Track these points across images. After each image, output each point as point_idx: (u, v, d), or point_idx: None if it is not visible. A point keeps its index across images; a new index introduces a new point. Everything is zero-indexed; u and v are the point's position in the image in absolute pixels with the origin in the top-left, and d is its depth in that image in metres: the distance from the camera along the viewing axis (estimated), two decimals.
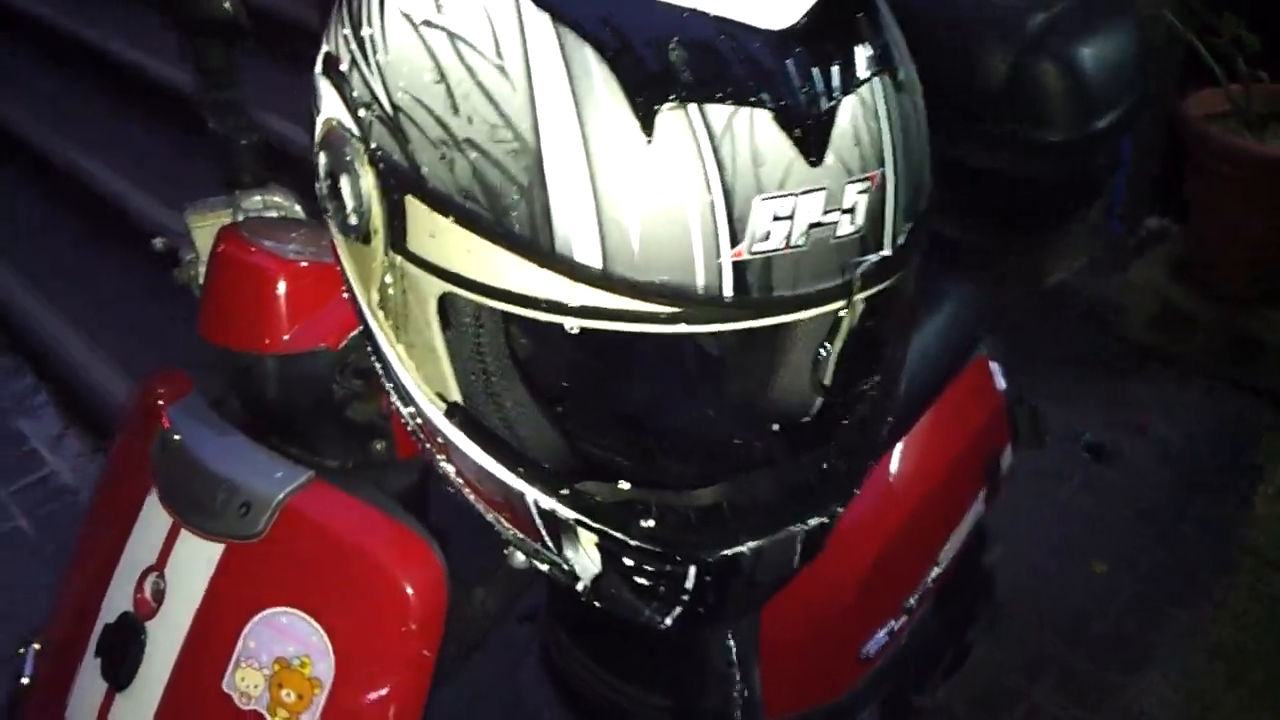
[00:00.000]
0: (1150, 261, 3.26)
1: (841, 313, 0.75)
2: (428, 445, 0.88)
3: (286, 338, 1.12)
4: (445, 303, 0.79)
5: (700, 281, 0.70)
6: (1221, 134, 2.87)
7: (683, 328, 0.71)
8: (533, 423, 0.84)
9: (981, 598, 2.17)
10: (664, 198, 0.69)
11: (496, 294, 0.73)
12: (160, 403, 1.16)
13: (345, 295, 0.89)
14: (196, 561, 1.05)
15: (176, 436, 1.12)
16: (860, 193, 0.73)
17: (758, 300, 0.71)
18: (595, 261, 0.70)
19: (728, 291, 0.71)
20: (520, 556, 0.96)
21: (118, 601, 1.10)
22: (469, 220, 0.73)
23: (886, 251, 0.76)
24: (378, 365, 0.88)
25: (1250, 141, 2.83)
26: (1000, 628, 2.23)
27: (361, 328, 0.88)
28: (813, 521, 0.83)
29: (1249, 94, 2.83)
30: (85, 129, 4.29)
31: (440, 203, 0.74)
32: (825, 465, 0.85)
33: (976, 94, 1.50)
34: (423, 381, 0.83)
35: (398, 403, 0.88)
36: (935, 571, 1.85)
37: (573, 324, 0.72)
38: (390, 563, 0.98)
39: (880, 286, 0.76)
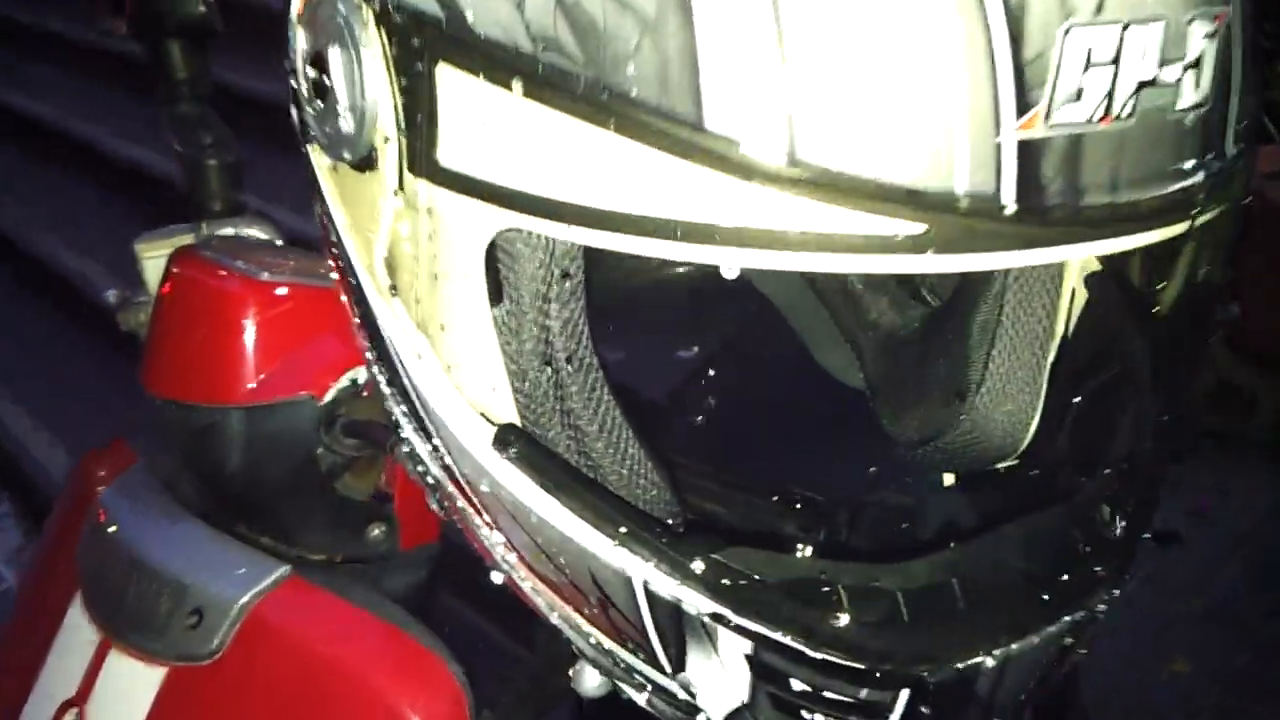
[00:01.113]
0: None
1: (1178, 236, 0.43)
2: (461, 504, 0.55)
3: (254, 385, 0.85)
4: (496, 255, 0.47)
5: (964, 177, 0.39)
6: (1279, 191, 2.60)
7: (930, 260, 0.39)
8: (636, 455, 0.51)
9: (1072, 707, 1.84)
10: (900, 30, 0.38)
11: (594, 219, 0.41)
12: (100, 487, 0.93)
13: (331, 269, 0.56)
14: (129, 692, 0.80)
15: (111, 527, 0.87)
16: (1207, 37, 0.42)
17: (1058, 211, 0.39)
18: (777, 147, 0.39)
19: (1009, 196, 0.39)
20: (593, 677, 0.61)
21: None
22: (550, 87, 0.41)
23: (1230, 150, 0.45)
24: (381, 378, 0.56)
25: None
26: None
27: (358, 322, 0.55)
28: (1081, 613, 0.50)
29: None
30: (83, 232, 4.01)
31: (499, 63, 0.42)
32: (1097, 522, 0.52)
33: None
34: (457, 393, 0.50)
35: (413, 438, 0.55)
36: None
37: (734, 263, 0.40)
38: (393, 688, 0.73)
39: (1220, 209, 0.45)
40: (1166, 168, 0.42)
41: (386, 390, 0.55)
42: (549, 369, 0.49)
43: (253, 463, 0.86)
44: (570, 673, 0.64)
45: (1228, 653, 2.39)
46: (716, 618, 0.46)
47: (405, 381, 0.52)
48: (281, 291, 0.86)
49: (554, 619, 0.55)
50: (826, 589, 0.47)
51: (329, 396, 0.85)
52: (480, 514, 0.53)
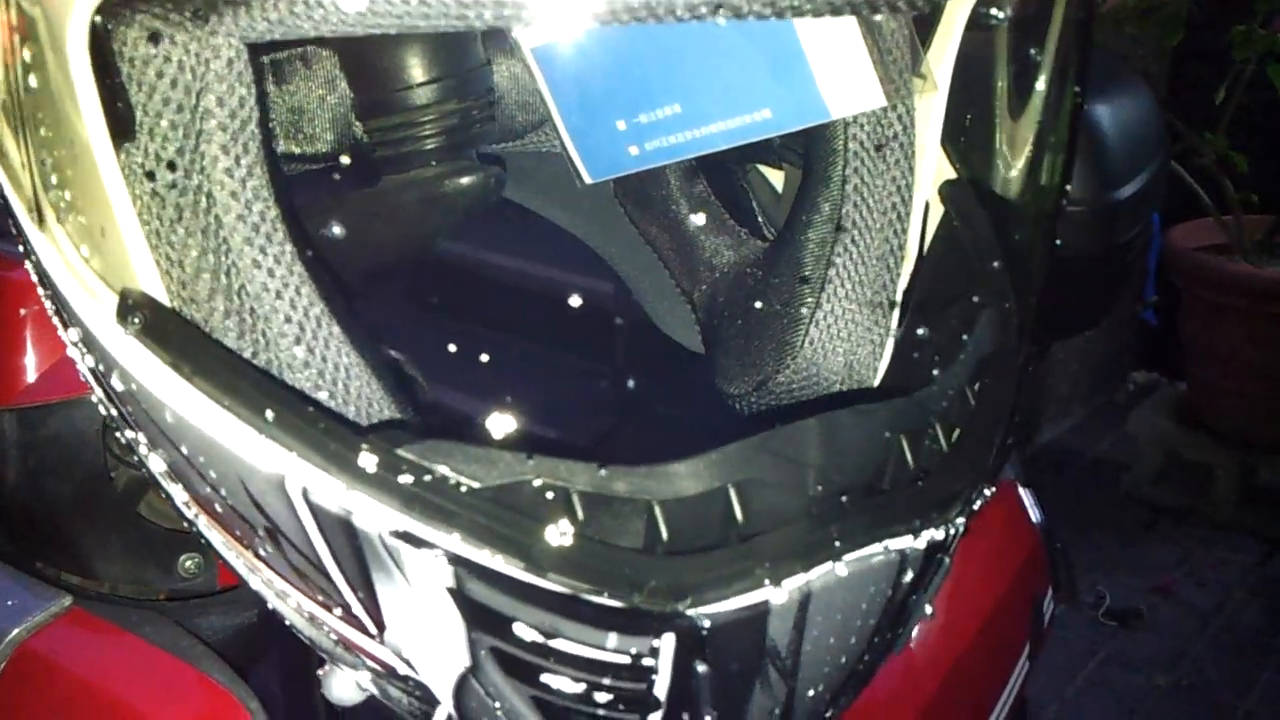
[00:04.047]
0: (1151, 410, 2.85)
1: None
2: (130, 433, 0.42)
3: (32, 380, 0.73)
4: (120, 69, 0.35)
5: None
6: (1223, 263, 2.51)
7: None
8: (337, 347, 0.38)
9: None
10: None
11: None
12: None
13: None
14: None
15: None
16: None
17: None
18: None
19: None
20: (343, 683, 0.47)
21: None
22: None
23: None
24: (29, 264, 0.43)
25: (1256, 268, 2.47)
26: None
27: None
28: (918, 539, 0.37)
29: (1240, 220, 2.49)
30: None
31: None
32: (929, 433, 0.39)
33: None
34: (75, 255, 0.37)
35: (70, 348, 0.42)
36: None
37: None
38: None
39: None
40: None
41: (40, 288, 0.43)
42: (191, 198, 0.36)
43: (33, 476, 0.73)
44: (320, 672, 0.50)
45: None
46: (401, 536, 0.33)
47: (33, 255, 0.39)
48: None
49: (255, 583, 0.42)
50: (552, 494, 0.34)
51: None
52: (137, 432, 0.40)
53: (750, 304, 0.54)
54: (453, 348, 0.60)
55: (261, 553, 0.38)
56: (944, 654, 1.26)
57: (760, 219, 0.61)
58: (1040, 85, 0.45)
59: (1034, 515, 1.65)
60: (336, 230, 0.52)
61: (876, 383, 0.51)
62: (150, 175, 0.35)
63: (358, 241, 0.52)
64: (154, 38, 0.34)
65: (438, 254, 0.60)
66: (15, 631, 0.66)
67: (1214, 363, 2.67)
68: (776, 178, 0.64)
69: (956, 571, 1.24)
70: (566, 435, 0.51)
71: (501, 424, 0.36)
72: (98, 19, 0.33)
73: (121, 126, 0.35)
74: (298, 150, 0.54)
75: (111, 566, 0.76)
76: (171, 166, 0.35)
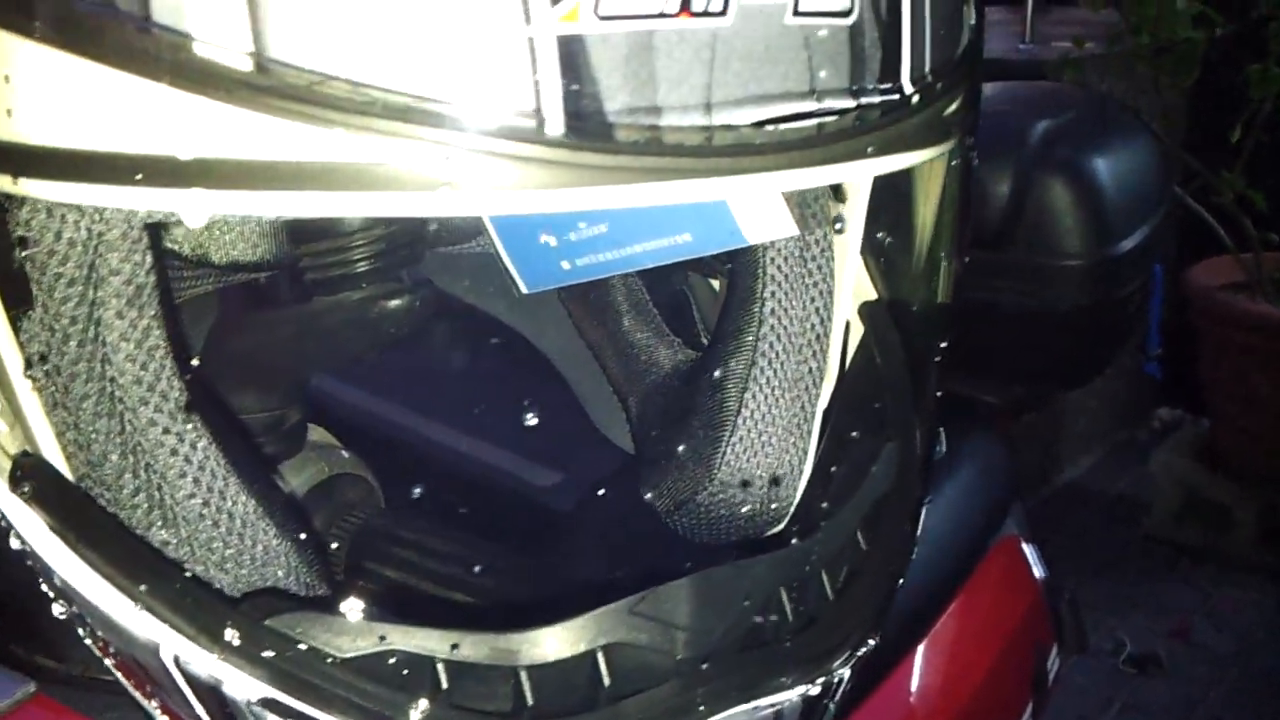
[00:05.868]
0: (1172, 449, 2.82)
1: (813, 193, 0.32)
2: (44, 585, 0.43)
3: None
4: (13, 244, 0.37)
5: (486, 85, 0.28)
6: (1244, 302, 2.50)
7: (447, 200, 0.29)
8: (241, 509, 0.40)
9: None
10: None
11: (37, 163, 0.31)
12: None
13: None
14: None
15: None
16: None
17: (624, 134, 0.29)
18: (238, 44, 0.29)
19: (553, 112, 0.29)
20: None
21: None
22: None
23: (905, 87, 0.34)
24: None
25: (1275, 307, 2.46)
26: None
27: None
28: (782, 696, 0.38)
29: (1259, 259, 2.47)
30: None
31: None
32: (811, 583, 0.39)
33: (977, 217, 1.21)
34: None
35: None
36: None
37: (200, 209, 0.29)
38: None
39: (908, 157, 0.34)
40: (788, 87, 0.31)
41: None
42: (97, 382, 0.38)
43: (2, 564, 0.76)
44: None
45: None
46: (267, 704, 0.34)
47: None
48: None
49: None
50: (413, 667, 0.35)
51: None
52: (43, 581, 0.41)
53: (673, 419, 0.55)
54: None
55: (155, 702, 0.39)
56: (942, 713, 1.26)
57: (700, 325, 0.62)
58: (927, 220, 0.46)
59: (1037, 571, 1.63)
60: (268, 343, 0.54)
61: (797, 499, 0.51)
62: (44, 355, 0.37)
63: (289, 355, 0.54)
64: (42, 221, 0.35)
65: None
66: None
67: (1232, 401, 2.64)
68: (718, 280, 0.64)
69: (955, 629, 1.24)
70: (495, 546, 0.52)
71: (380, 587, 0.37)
72: None
73: (16, 298, 0.37)
74: (238, 258, 0.56)
75: (81, 649, 0.77)
76: (66, 338, 0.37)
